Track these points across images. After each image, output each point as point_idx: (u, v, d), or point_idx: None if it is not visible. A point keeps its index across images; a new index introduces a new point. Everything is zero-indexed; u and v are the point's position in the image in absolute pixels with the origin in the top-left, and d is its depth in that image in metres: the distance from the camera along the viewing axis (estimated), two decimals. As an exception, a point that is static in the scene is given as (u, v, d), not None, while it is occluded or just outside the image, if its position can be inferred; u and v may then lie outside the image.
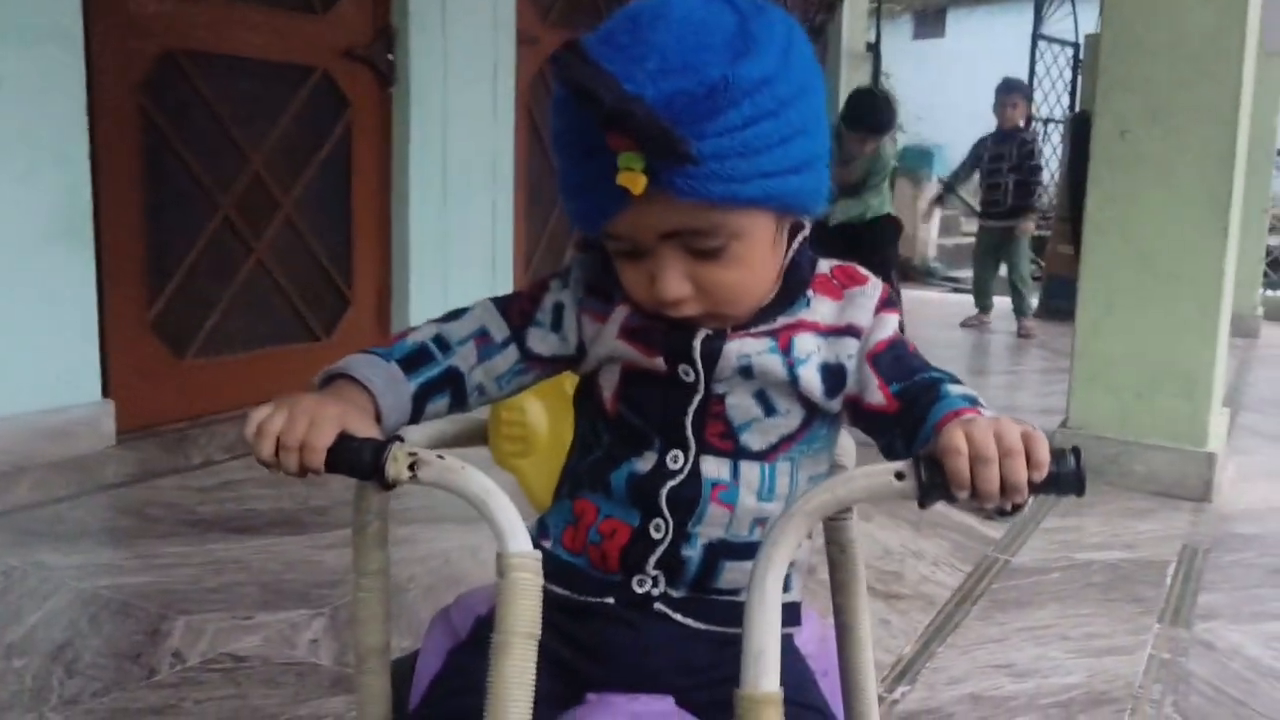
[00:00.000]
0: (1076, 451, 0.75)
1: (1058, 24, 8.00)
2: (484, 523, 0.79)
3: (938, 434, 0.77)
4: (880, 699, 1.77)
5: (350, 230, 3.71)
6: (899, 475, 0.75)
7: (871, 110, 4.59)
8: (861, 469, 0.77)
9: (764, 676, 0.72)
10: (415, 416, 0.96)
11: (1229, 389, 4.32)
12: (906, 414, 0.89)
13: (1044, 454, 0.74)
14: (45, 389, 2.75)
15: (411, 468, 0.79)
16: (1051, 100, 7.91)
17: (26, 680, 1.71)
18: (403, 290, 3.83)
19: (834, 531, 1.06)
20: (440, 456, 0.80)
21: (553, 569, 0.98)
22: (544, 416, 1.22)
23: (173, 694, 1.69)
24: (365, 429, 0.83)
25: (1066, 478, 0.74)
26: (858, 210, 4.52)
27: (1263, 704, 1.81)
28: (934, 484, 0.75)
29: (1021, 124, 5.89)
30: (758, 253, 0.88)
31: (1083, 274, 3.18)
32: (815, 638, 1.12)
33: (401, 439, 0.83)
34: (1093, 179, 3.11)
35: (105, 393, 2.92)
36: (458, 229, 3.98)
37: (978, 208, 6.34)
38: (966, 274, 5.73)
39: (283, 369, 3.40)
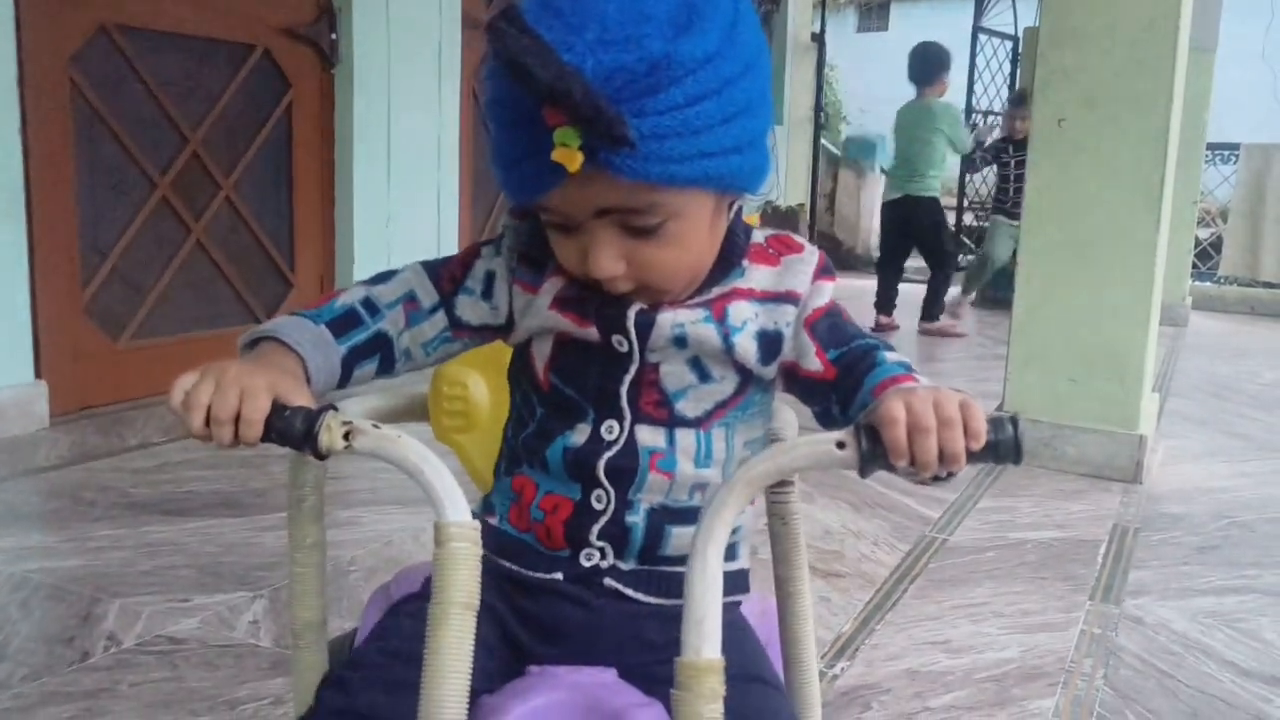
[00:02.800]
0: (1015, 420, 0.76)
1: (997, 18, 8.12)
2: (426, 504, 0.79)
3: (876, 403, 0.78)
4: (820, 674, 1.79)
5: (292, 212, 3.66)
6: (840, 444, 0.76)
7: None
8: (804, 438, 0.78)
9: (705, 643, 0.73)
10: (343, 381, 0.95)
11: (1159, 375, 4.44)
12: (843, 380, 0.90)
13: (980, 423, 0.76)
14: (-27, 370, 2.68)
15: (346, 437, 0.78)
16: (991, 92, 8.04)
17: (-46, 665, 1.67)
18: (346, 272, 3.79)
19: (776, 505, 1.07)
20: (375, 426, 0.79)
21: (502, 545, 0.98)
22: (485, 391, 1.21)
23: (107, 677, 1.66)
24: (297, 396, 0.81)
25: (1004, 446, 0.76)
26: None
27: (1188, 676, 1.87)
28: (874, 453, 0.76)
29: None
30: (695, 232, 0.88)
31: (1020, 260, 3.24)
32: (756, 610, 1.13)
33: (335, 408, 0.82)
34: (1031, 166, 3.16)
35: (38, 374, 2.85)
36: (401, 212, 3.94)
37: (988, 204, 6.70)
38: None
39: (223, 352, 3.30)
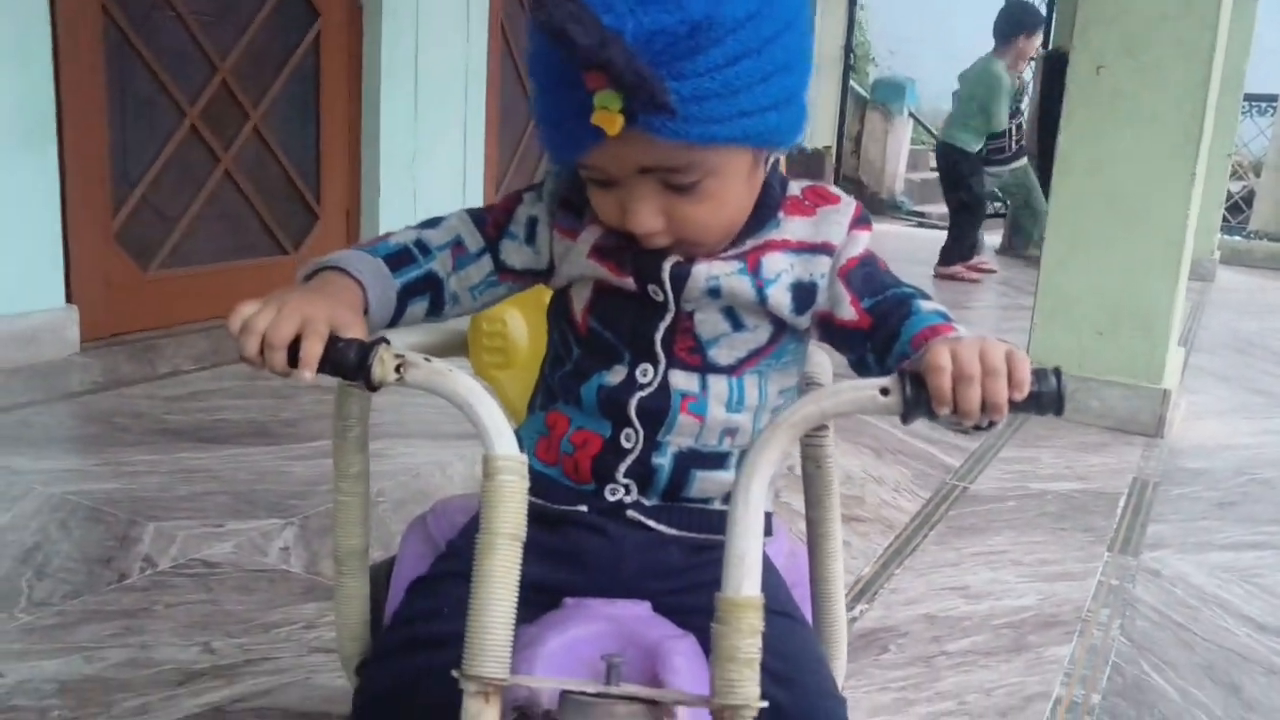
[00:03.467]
0: (1058, 372, 0.77)
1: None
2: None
3: (922, 351, 0.79)
4: (840, 616, 1.82)
5: (319, 144, 3.65)
6: (884, 391, 0.77)
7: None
8: (848, 383, 0.79)
9: (746, 580, 0.74)
10: (395, 317, 0.97)
11: (1184, 330, 4.41)
12: (878, 329, 0.91)
13: (1025, 373, 0.77)
14: (5, 293, 2.71)
15: (398, 369, 0.79)
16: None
17: (-3, 581, 1.72)
18: (372, 205, 3.79)
19: (810, 449, 1.08)
20: (427, 359, 0.80)
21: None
22: (524, 329, 1.23)
23: (144, 598, 1.70)
24: (353, 328, 0.83)
25: (1047, 397, 0.77)
26: None
27: (1204, 628, 1.89)
28: (917, 400, 0.77)
29: None
30: (733, 188, 0.89)
31: (1051, 211, 3.21)
32: (784, 552, 1.16)
33: (388, 341, 0.83)
34: (1066, 115, 3.12)
35: (68, 300, 2.88)
36: (428, 145, 3.93)
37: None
38: (932, 209, 5.76)
39: (249, 282, 3.36)
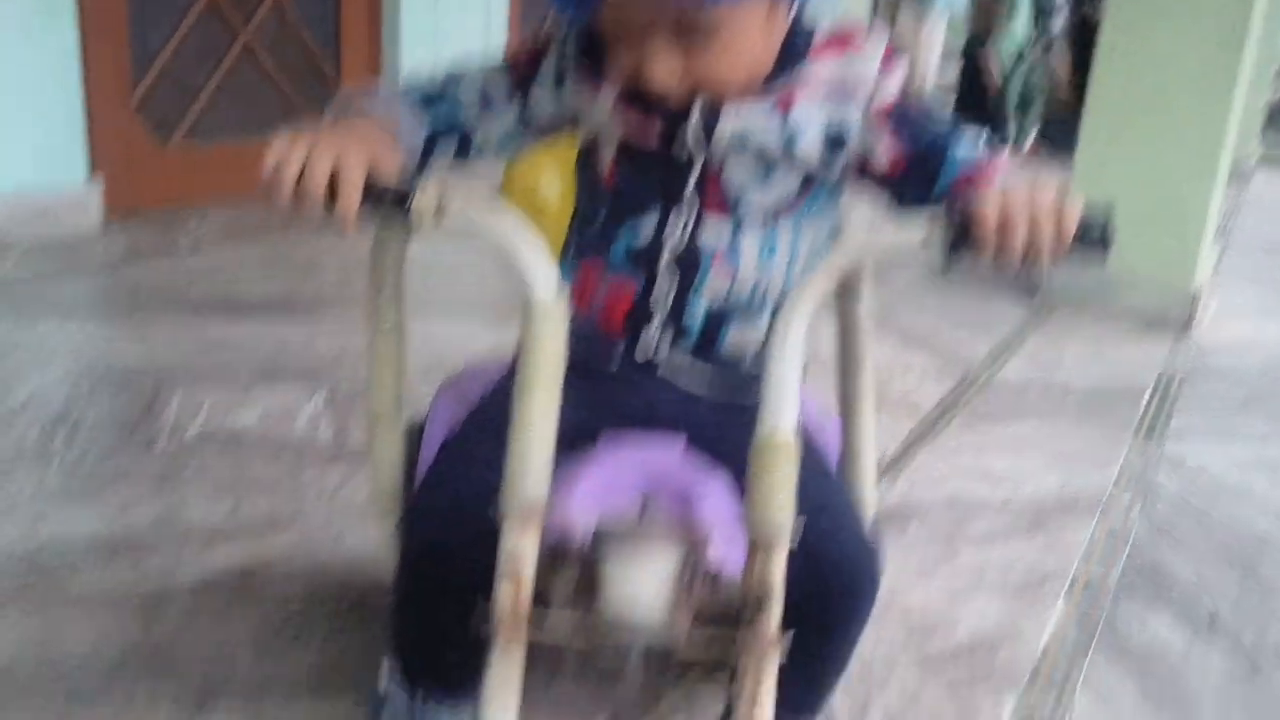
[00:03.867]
0: (1107, 213, 0.75)
1: None
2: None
3: (964, 194, 0.77)
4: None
5: (339, 17, 3.57)
6: (925, 235, 0.76)
7: None
8: (890, 229, 0.77)
9: (782, 420, 0.74)
10: (423, 159, 0.95)
11: (1218, 230, 4.32)
12: (916, 173, 0.89)
13: (1073, 221, 0.75)
14: (28, 166, 2.69)
15: (439, 205, 0.78)
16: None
17: (28, 444, 1.74)
18: (393, 81, 3.72)
19: (844, 316, 1.07)
20: (468, 197, 0.79)
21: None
22: (555, 186, 1.21)
23: (172, 461, 1.72)
24: (389, 164, 0.81)
25: (1093, 240, 0.75)
26: None
27: (1223, 515, 1.89)
28: (959, 247, 0.75)
29: None
30: (751, 38, 0.87)
31: (1089, 104, 3.13)
32: (814, 426, 1.15)
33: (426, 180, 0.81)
34: (1110, 9, 3.02)
35: (91, 173, 2.86)
36: (451, 14, 3.84)
37: None
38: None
39: (270, 160, 3.33)
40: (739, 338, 0.97)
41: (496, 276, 3.12)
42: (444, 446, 0.99)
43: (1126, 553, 1.72)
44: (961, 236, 0.75)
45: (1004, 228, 0.74)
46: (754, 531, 0.72)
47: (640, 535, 0.73)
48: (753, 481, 0.73)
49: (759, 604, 0.71)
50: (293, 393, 2.02)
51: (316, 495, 1.64)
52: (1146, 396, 2.47)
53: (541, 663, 1.27)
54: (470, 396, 1.11)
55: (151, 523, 1.53)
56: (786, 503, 0.72)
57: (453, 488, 0.90)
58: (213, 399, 1.96)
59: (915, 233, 0.75)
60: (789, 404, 0.74)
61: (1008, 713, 1.29)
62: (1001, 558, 1.66)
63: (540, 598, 0.78)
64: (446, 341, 2.29)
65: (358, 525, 1.56)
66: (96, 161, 2.87)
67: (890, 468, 1.95)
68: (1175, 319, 3.01)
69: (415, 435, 1.13)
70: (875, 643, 1.40)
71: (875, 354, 2.44)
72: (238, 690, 1.19)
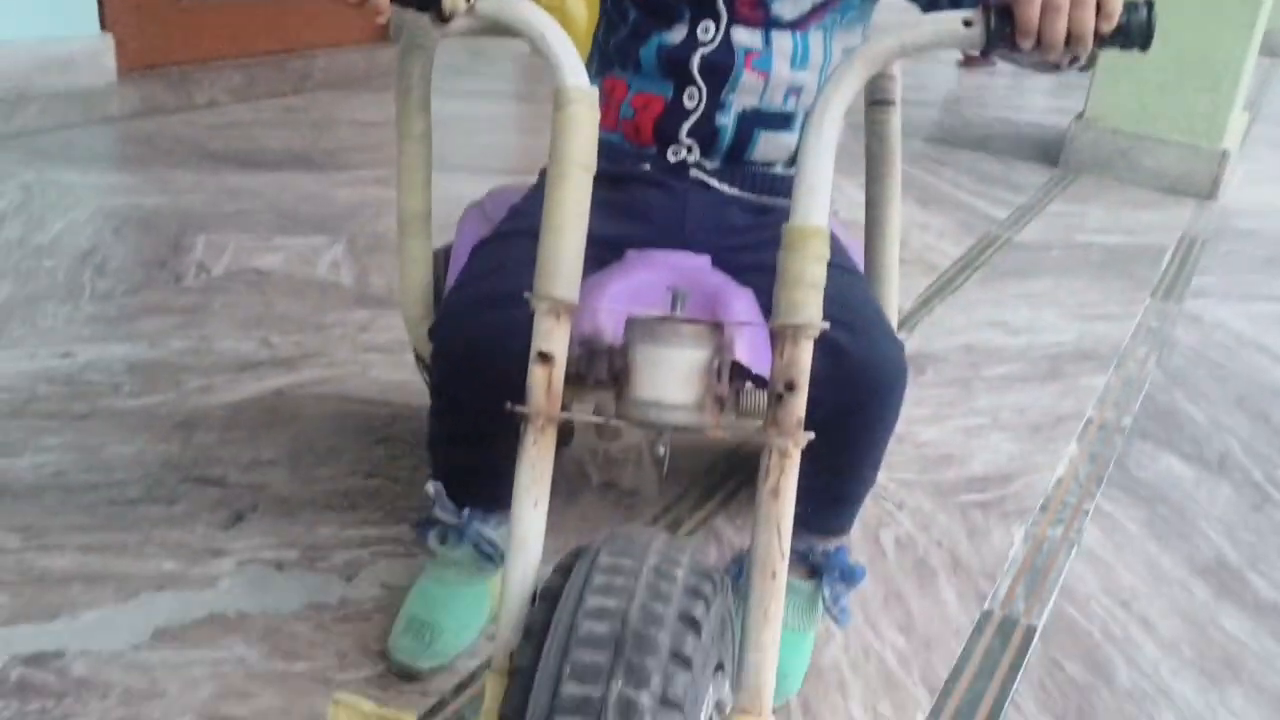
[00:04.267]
0: (1149, 3, 0.74)
1: None
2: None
3: None
4: (879, 342, 1.85)
5: None
6: (966, 23, 0.75)
7: None
8: (929, 16, 0.77)
9: (815, 209, 0.74)
10: None
11: (1250, 97, 4.23)
12: None
13: (1117, 4, 0.74)
14: (42, 18, 2.65)
15: (470, 3, 0.77)
16: None
17: (59, 277, 1.76)
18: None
19: (875, 125, 1.06)
20: (498, -13, 0.78)
21: (587, 146, 0.99)
22: (581, 4, 1.19)
23: (200, 298, 1.75)
24: None
25: (1135, 29, 0.74)
26: None
27: (1238, 366, 1.91)
28: (1001, 32, 0.74)
29: None
30: None
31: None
32: (843, 239, 1.16)
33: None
34: None
35: (103, 26, 2.82)
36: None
37: None
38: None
39: (285, 17, 3.27)
40: (770, 144, 0.97)
41: (517, 134, 3.09)
42: (475, 250, 1.00)
43: (1141, 399, 1.74)
44: (1004, 21, 0.74)
45: (1047, 11, 0.73)
46: (782, 315, 0.73)
47: (670, 325, 0.75)
48: (783, 265, 0.73)
49: (787, 388, 0.73)
50: (314, 239, 2.03)
51: (342, 334, 1.67)
52: (1168, 256, 2.47)
53: (567, 479, 1.31)
54: (496, 216, 1.11)
55: (185, 350, 1.56)
56: (816, 287, 0.73)
57: (486, 284, 0.92)
58: (236, 242, 1.98)
59: (955, 20, 0.75)
60: (822, 194, 0.74)
61: (1018, 539, 1.33)
62: (1017, 401, 1.69)
63: (572, 387, 0.80)
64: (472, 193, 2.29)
65: (383, 361, 1.59)
66: (108, 15, 2.82)
67: (906, 320, 1.96)
68: (1200, 182, 2.97)
69: (442, 258, 1.15)
70: (889, 471, 1.43)
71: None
72: (270, 505, 1.24)
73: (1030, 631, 1.16)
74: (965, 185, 2.87)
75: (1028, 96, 4.29)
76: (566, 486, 1.34)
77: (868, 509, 1.34)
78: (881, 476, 1.42)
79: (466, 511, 1.01)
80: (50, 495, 1.21)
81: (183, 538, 1.17)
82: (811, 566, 1.04)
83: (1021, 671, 1.10)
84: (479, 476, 0.99)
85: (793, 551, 0.96)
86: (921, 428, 1.57)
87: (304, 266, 1.91)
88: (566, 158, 0.78)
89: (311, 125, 2.79)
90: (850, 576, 1.02)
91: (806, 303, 0.73)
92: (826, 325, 0.73)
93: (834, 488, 1.00)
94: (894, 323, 1.11)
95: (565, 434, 1.37)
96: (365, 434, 1.40)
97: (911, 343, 1.87)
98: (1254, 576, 1.30)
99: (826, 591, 1.01)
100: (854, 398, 0.90)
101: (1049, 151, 3.24)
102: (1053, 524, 1.37)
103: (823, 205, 0.75)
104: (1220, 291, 2.27)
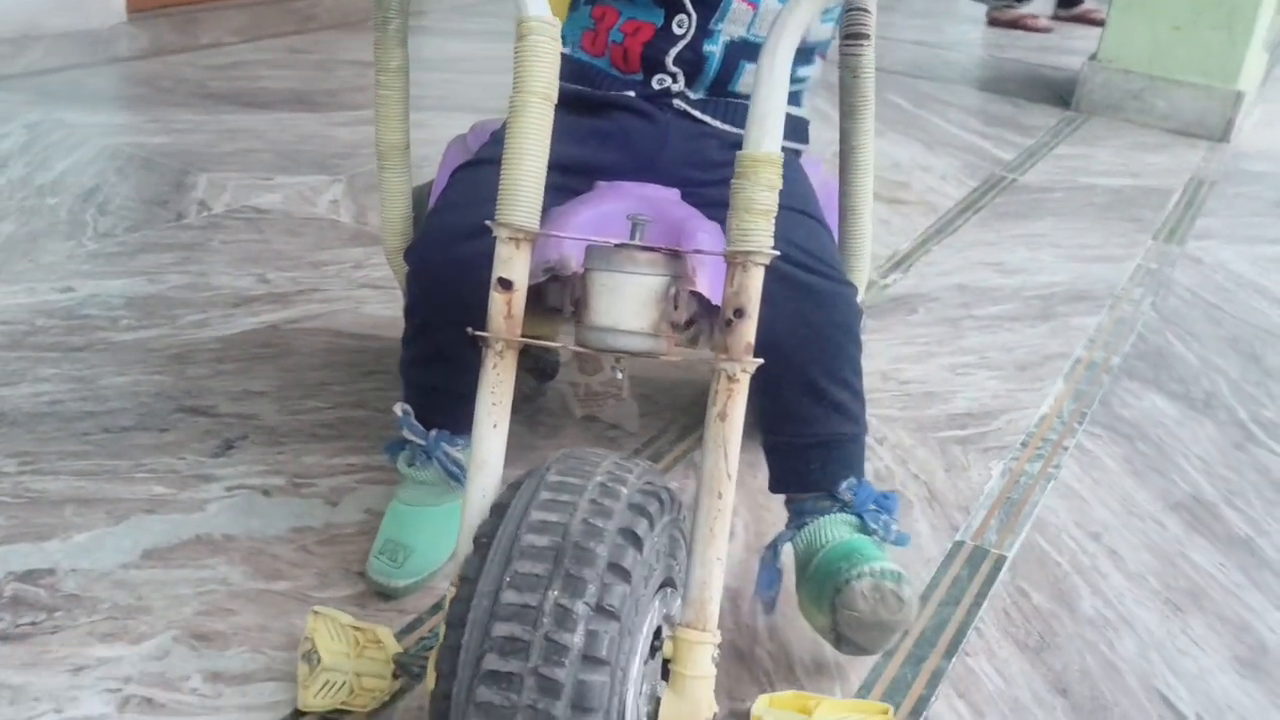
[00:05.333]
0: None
1: None
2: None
3: None
4: (871, 283, 1.86)
5: None
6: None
7: None
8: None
9: (766, 138, 0.75)
10: None
11: (1271, 37, 4.15)
12: None
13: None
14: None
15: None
16: None
17: (61, 215, 1.79)
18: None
19: (848, 58, 1.06)
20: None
21: (573, 71, 1.01)
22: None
23: (200, 234, 1.77)
24: None
25: None
26: None
27: (1236, 308, 1.90)
28: None
29: None
30: None
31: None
32: (819, 183, 1.16)
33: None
34: None
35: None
36: None
37: None
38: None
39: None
40: (754, 77, 0.98)
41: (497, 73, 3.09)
42: (453, 175, 1.02)
43: (1132, 339, 1.74)
44: None
45: None
46: (734, 242, 0.74)
47: (626, 252, 0.76)
48: (735, 195, 0.75)
49: (736, 314, 0.74)
50: (313, 178, 2.05)
51: (337, 271, 1.69)
52: (1174, 199, 2.45)
53: (550, 413, 1.33)
54: (477, 146, 1.13)
55: (183, 285, 1.59)
56: (767, 214, 0.74)
57: (461, 213, 0.93)
58: (237, 181, 2.00)
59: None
60: (774, 123, 0.75)
61: (996, 472, 1.35)
62: (1006, 340, 1.69)
63: (538, 315, 0.82)
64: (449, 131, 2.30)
65: (377, 297, 1.61)
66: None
67: (902, 261, 1.97)
68: (1213, 125, 2.94)
69: (424, 193, 1.16)
70: (871, 408, 1.45)
71: (896, 156, 2.42)
72: (259, 434, 1.27)
73: (1000, 562, 1.18)
74: (973, 127, 2.85)
75: (1046, 40, 4.22)
76: (549, 420, 1.36)
77: (847, 443, 1.36)
78: (863, 412, 1.44)
79: (434, 433, 1.03)
80: (46, 423, 1.25)
81: (173, 464, 1.20)
82: (853, 515, 1.00)
83: (987, 600, 1.12)
84: (446, 398, 1.01)
85: (822, 508, 0.98)
86: (907, 365, 1.58)
87: (303, 205, 1.93)
88: (527, 87, 0.79)
89: (314, 66, 2.79)
90: (886, 503, 1.00)
91: (757, 229, 0.75)
92: (777, 253, 0.74)
93: (819, 434, 0.99)
94: (866, 259, 1.12)
95: (548, 369, 1.39)
96: (355, 367, 1.42)
97: (904, 283, 1.88)
98: (1228, 511, 1.32)
99: (874, 525, 0.98)
100: (811, 330, 0.92)
101: (1062, 94, 3.20)
102: (1032, 460, 1.38)
103: (775, 134, 0.76)
104: (1224, 234, 2.26)
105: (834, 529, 0.98)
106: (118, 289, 1.56)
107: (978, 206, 2.28)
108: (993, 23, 4.35)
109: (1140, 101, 3.01)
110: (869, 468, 1.31)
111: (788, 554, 1.02)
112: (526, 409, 1.35)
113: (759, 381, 0.76)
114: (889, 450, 1.37)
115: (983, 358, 1.63)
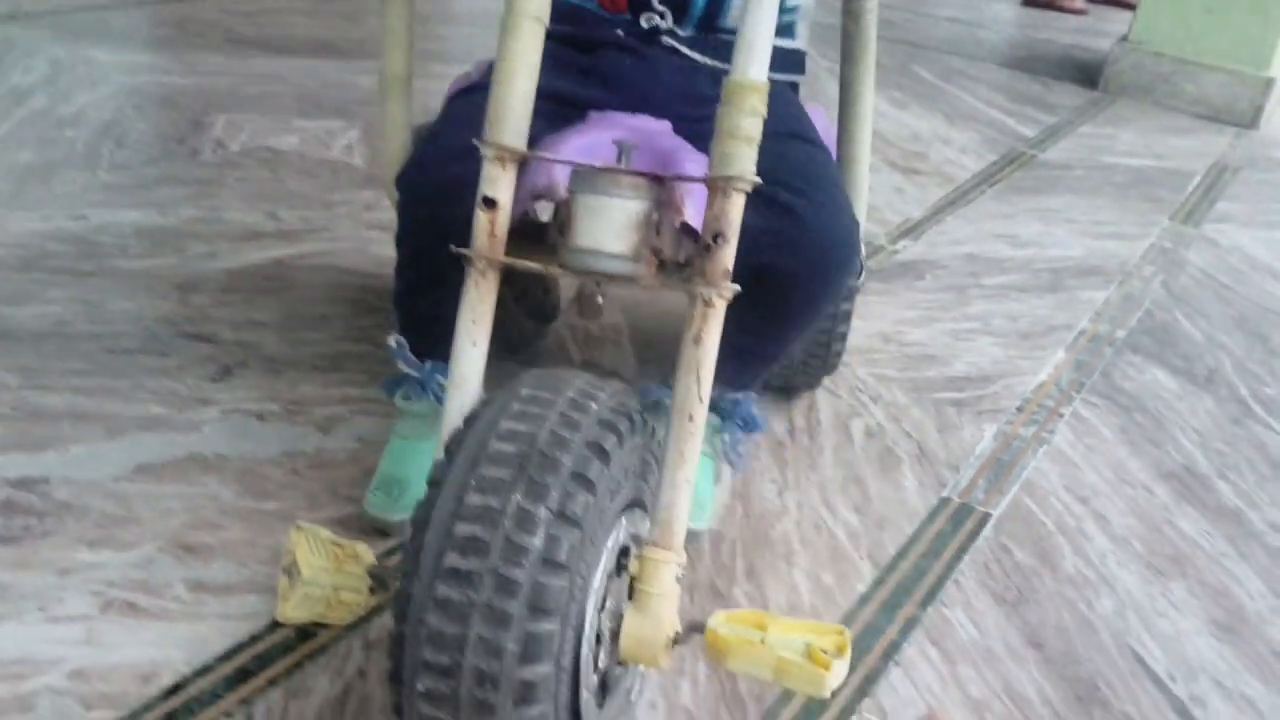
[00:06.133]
0: None
1: None
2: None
3: None
4: (880, 248, 1.86)
5: None
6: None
7: None
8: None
9: (753, 65, 0.75)
10: None
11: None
12: None
13: None
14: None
15: None
16: None
17: (78, 147, 1.81)
18: None
19: (851, 4, 1.06)
20: None
21: (561, 13, 1.00)
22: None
23: (215, 171, 1.79)
24: None
25: None
26: None
27: (1248, 291, 1.89)
28: None
29: None
30: None
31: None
32: (821, 128, 1.16)
33: None
34: None
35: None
36: None
37: None
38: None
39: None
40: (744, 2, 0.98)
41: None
42: (451, 99, 1.03)
43: (1139, 315, 1.73)
44: None
45: None
46: (715, 167, 0.75)
47: (610, 175, 0.76)
48: (719, 118, 0.75)
49: (715, 239, 0.75)
50: (331, 123, 2.06)
51: (347, 212, 1.71)
52: (1195, 182, 2.42)
53: (549, 356, 1.34)
54: (478, 77, 1.13)
55: (194, 218, 1.61)
56: (750, 141, 0.75)
57: (454, 137, 0.94)
58: (255, 123, 2.01)
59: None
60: (761, 50, 0.75)
61: (989, 434, 1.35)
62: (1011, 309, 1.69)
63: (518, 237, 0.83)
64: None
65: (384, 238, 1.63)
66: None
67: (913, 229, 1.96)
68: (1242, 111, 2.90)
69: (426, 129, 1.17)
70: (869, 366, 1.45)
71: (917, 128, 2.41)
72: (258, 363, 1.28)
73: (985, 519, 1.19)
74: (997, 103, 2.82)
75: (1081, 21, 4.17)
76: (548, 363, 1.37)
77: (841, 400, 1.37)
78: (861, 371, 1.44)
79: (428, 365, 1.04)
80: (50, 341, 1.27)
81: (172, 387, 1.22)
82: (717, 411, 1.05)
83: (968, 554, 1.13)
84: (439, 327, 1.01)
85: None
86: (909, 328, 1.58)
87: (318, 148, 1.95)
88: (518, 9, 0.79)
89: (341, 15, 2.80)
90: (751, 424, 1.04)
91: (739, 155, 0.75)
92: (759, 180, 0.75)
93: (755, 348, 1.01)
94: (863, 206, 1.12)
95: (547, 313, 1.40)
96: (357, 304, 1.44)
97: (914, 249, 1.87)
98: (1220, 483, 1.31)
99: (726, 436, 1.03)
100: (799, 264, 0.92)
101: (1090, 74, 3.16)
102: (1026, 424, 1.38)
103: (761, 60, 0.76)
104: (1243, 218, 2.24)
105: None
106: (129, 219, 1.58)
107: (995, 180, 2.27)
108: (1029, 3, 4.29)
109: (1169, 85, 2.97)
110: (860, 424, 1.33)
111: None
112: (525, 353, 1.36)
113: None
114: (882, 408, 1.37)
115: (986, 325, 1.63)
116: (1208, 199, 2.32)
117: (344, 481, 1.10)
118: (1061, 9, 4.20)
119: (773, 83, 0.76)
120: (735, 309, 0.78)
